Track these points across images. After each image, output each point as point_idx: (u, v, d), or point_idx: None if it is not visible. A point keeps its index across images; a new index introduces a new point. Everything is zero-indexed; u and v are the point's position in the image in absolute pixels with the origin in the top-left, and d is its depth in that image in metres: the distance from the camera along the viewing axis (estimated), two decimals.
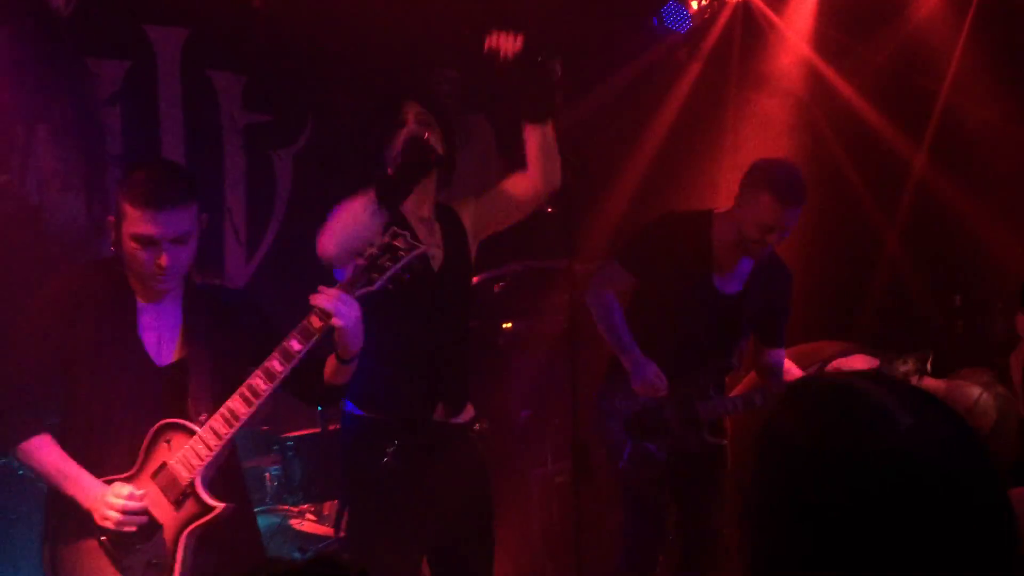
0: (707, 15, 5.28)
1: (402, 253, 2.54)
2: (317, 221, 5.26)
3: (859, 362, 3.80)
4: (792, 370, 3.82)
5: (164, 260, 2.56)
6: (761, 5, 5.41)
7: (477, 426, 3.13)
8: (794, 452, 1.10)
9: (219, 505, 2.58)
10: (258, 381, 2.57)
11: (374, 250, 2.57)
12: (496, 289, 4.98)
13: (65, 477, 2.57)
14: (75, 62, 4.49)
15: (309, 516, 4.18)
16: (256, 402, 2.58)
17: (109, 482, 2.59)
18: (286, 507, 4.11)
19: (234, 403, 2.58)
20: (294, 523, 4.09)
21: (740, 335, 3.75)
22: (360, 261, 2.57)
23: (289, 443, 4.03)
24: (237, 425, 2.58)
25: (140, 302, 2.67)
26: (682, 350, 3.60)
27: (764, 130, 5.47)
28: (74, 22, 4.39)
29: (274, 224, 5.18)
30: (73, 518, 2.58)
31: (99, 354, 2.61)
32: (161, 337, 2.67)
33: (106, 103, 4.60)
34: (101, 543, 2.57)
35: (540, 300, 5.32)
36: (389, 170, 2.86)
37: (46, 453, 2.58)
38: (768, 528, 1.11)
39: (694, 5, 5.24)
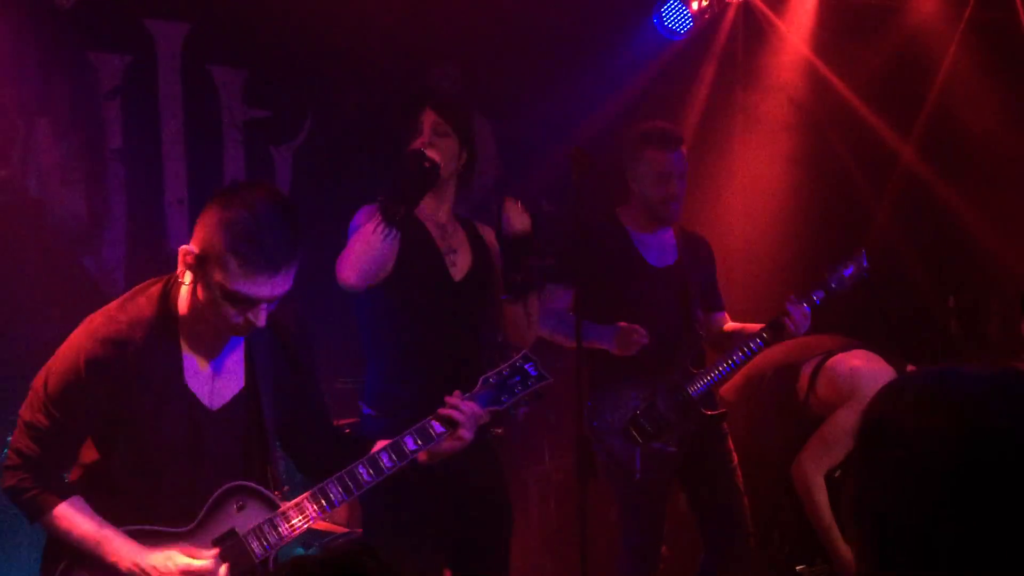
0: (708, 15, 5.30)
1: (532, 381, 2.60)
2: (315, 217, 5.27)
3: (858, 357, 3.83)
4: (745, 326, 3.83)
5: (260, 320, 2.26)
6: (761, 5, 5.43)
7: (493, 431, 3.14)
8: (911, 439, 1.08)
9: None
10: (362, 472, 2.41)
11: (505, 370, 2.58)
12: None
13: (99, 542, 2.27)
14: (76, 56, 4.48)
15: None
16: (356, 493, 2.42)
17: (153, 532, 2.31)
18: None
19: (332, 489, 2.39)
20: None
21: (694, 304, 3.75)
22: (490, 377, 2.59)
23: None
24: (328, 512, 2.41)
25: (190, 340, 2.36)
26: (652, 335, 3.57)
27: (763, 130, 5.49)
28: (75, 16, 4.39)
29: None
30: (88, 567, 2.32)
31: (143, 402, 2.32)
32: (216, 374, 2.40)
33: (106, 97, 4.59)
34: None
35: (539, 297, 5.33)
36: (389, 188, 2.86)
37: (79, 517, 2.29)
38: (906, 527, 1.08)
39: (695, 5, 5.26)
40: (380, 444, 2.48)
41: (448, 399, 2.53)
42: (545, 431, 5.12)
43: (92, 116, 4.54)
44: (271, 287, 2.23)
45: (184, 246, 2.28)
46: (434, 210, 3.06)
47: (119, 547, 2.28)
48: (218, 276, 2.22)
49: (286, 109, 5.13)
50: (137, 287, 2.44)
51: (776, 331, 3.63)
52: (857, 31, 5.35)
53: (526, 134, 5.44)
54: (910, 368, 3.75)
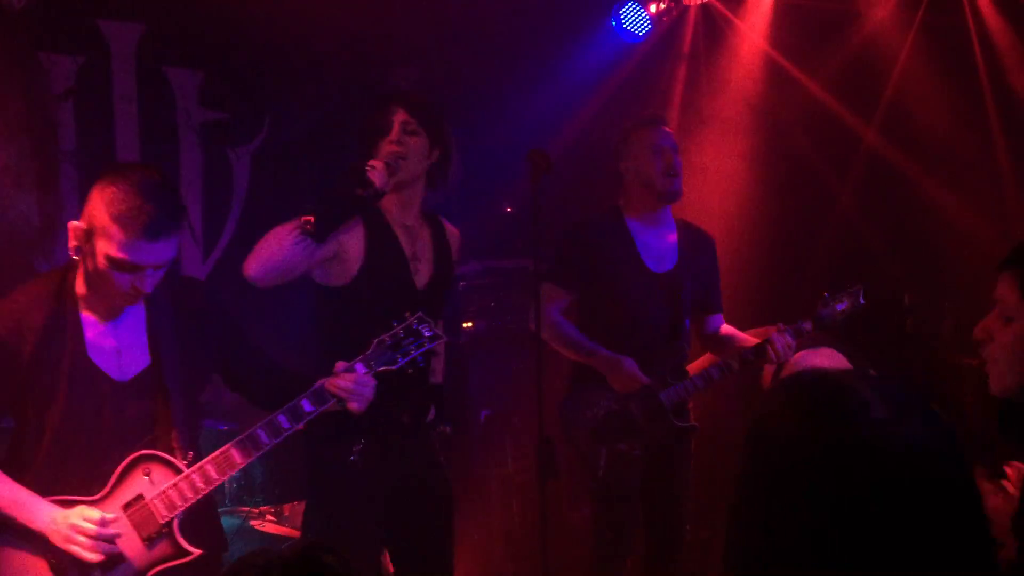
0: (666, 18, 5.34)
1: (427, 341, 2.68)
2: (273, 220, 5.23)
3: (823, 355, 3.86)
4: (737, 334, 3.87)
5: (144, 285, 2.44)
6: (720, 7, 5.48)
7: (440, 428, 3.15)
8: (778, 445, 1.11)
9: (195, 552, 2.50)
10: (261, 433, 2.55)
11: (400, 331, 2.66)
12: (457, 289, 4.99)
13: (18, 504, 2.42)
14: (28, 57, 4.40)
15: (269, 517, 4.15)
16: (256, 454, 2.54)
17: (66, 501, 2.45)
18: (246, 508, 4.08)
19: (232, 451, 2.52)
20: (255, 524, 4.06)
21: (684, 312, 3.78)
22: (384, 338, 2.65)
23: None
24: (230, 473, 2.53)
25: (90, 316, 2.51)
26: (634, 343, 3.61)
27: (724, 130, 5.54)
28: (27, 16, 4.31)
29: (231, 223, 5.12)
30: (13, 531, 2.45)
31: (49, 379, 2.46)
32: (121, 349, 2.54)
33: (59, 99, 4.51)
34: (52, 565, 2.43)
35: (499, 300, 5.34)
36: (317, 203, 2.84)
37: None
38: (751, 522, 1.12)
39: (653, 8, 5.29)
40: (283, 409, 2.58)
41: (338, 367, 2.63)
42: (507, 433, 5.12)
43: (44, 118, 4.46)
44: (153, 253, 2.40)
45: (73, 221, 2.44)
46: (401, 212, 3.06)
47: (37, 508, 2.42)
48: (103, 246, 2.38)
49: (243, 111, 5.08)
50: (41, 273, 2.62)
51: (758, 356, 3.68)
52: (813, 32, 5.41)
53: (485, 137, 5.45)
54: (872, 372, 3.78)
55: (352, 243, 2.96)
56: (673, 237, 3.78)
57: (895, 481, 1.05)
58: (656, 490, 3.72)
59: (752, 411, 1.20)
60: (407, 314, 2.70)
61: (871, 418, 1.08)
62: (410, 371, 2.72)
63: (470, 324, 5.15)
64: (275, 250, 2.77)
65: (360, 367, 2.64)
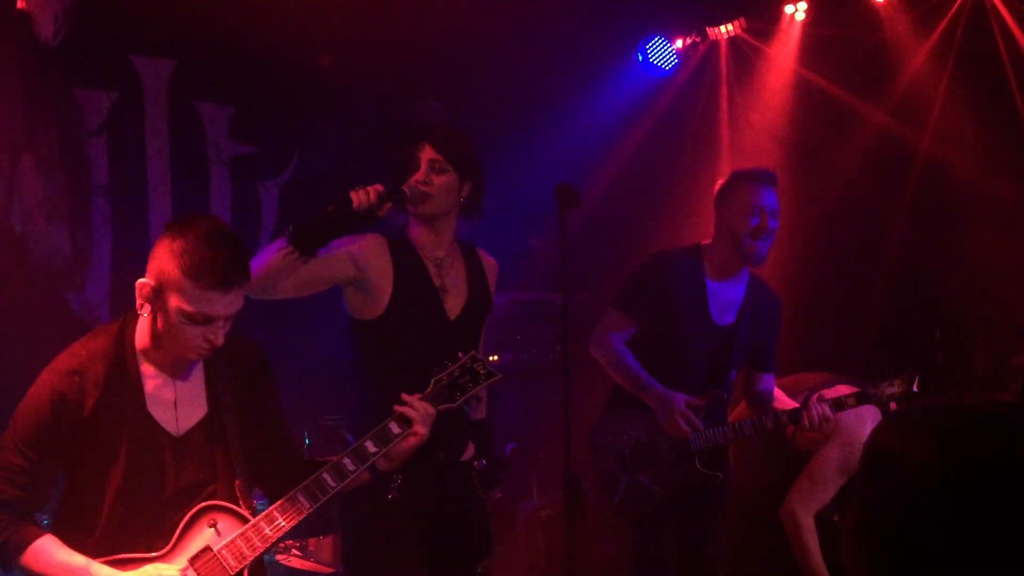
0: (693, 53, 5.35)
1: (482, 377, 2.72)
2: None
3: (843, 391, 3.83)
4: (782, 398, 3.85)
5: (218, 338, 2.39)
6: (748, 38, 5.47)
7: (477, 463, 3.13)
8: (925, 476, 1.16)
9: None
10: (327, 477, 2.50)
11: (455, 370, 2.69)
12: None
13: (76, 573, 2.34)
14: (62, 92, 4.48)
15: (295, 552, 4.13)
16: (322, 499, 2.49)
17: (128, 560, 2.37)
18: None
19: (299, 496, 2.47)
20: (280, 559, 4.04)
21: (733, 365, 3.78)
22: (442, 378, 2.67)
23: None
24: (298, 520, 2.48)
25: (150, 369, 2.47)
26: (680, 384, 3.62)
27: (756, 159, 5.51)
28: (62, 52, 4.39)
29: None
30: None
31: (110, 434, 2.41)
32: (178, 401, 2.49)
33: (92, 133, 4.59)
34: None
35: (524, 333, 5.33)
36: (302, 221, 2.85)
37: (52, 555, 2.36)
38: (889, 541, 1.17)
39: (679, 44, 5.31)
40: (346, 452, 2.55)
41: (404, 396, 2.62)
42: (534, 468, 5.09)
43: (78, 152, 4.53)
44: (225, 304, 2.36)
45: (140, 279, 2.40)
46: (432, 245, 3.06)
47: (96, 574, 2.35)
48: (175, 301, 2.35)
49: (272, 145, 5.14)
50: (98, 328, 2.56)
51: (792, 420, 3.67)
52: (843, 57, 5.37)
53: (510, 170, 5.47)
54: (892, 406, 3.74)
55: (381, 277, 2.97)
56: (741, 291, 3.77)
57: None
58: (688, 531, 3.70)
59: (882, 426, 1.25)
60: (460, 354, 2.72)
61: None
62: (466, 408, 2.72)
63: (495, 357, 5.14)
64: (263, 263, 2.79)
65: (427, 405, 2.64)
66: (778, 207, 3.69)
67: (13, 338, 4.09)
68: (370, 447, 2.55)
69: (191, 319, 2.35)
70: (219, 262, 2.32)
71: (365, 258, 2.96)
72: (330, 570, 4.02)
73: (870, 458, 1.22)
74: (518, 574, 5.03)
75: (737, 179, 3.71)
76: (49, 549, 2.37)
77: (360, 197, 2.78)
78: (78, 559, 2.36)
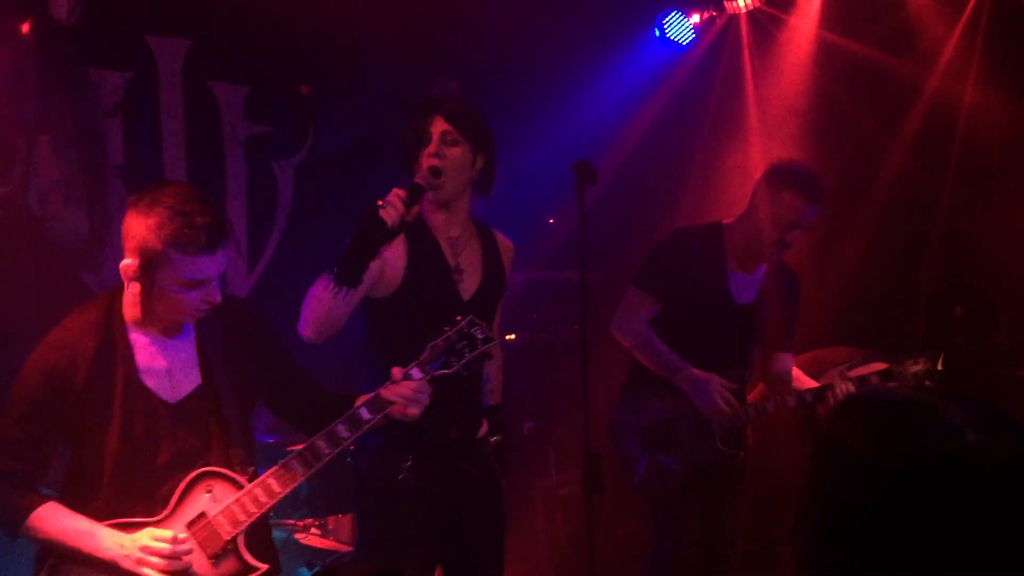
0: (712, 27, 5.28)
1: (479, 342, 2.67)
2: (317, 233, 5.23)
3: (873, 370, 3.79)
4: (801, 377, 3.82)
5: (216, 296, 2.45)
6: (768, 8, 5.36)
7: (492, 439, 3.12)
8: (857, 461, 1.12)
9: (261, 567, 2.49)
10: (321, 443, 2.53)
11: (452, 334, 2.66)
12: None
13: (81, 535, 2.41)
14: (77, 73, 4.47)
15: (314, 530, 4.14)
16: (317, 465, 2.53)
17: (129, 524, 2.44)
18: (291, 521, 4.08)
19: (294, 463, 2.52)
20: (299, 537, 4.06)
21: (754, 344, 3.76)
22: (438, 343, 2.65)
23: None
24: (293, 485, 2.52)
25: (141, 339, 2.51)
26: (701, 363, 3.60)
27: (775, 135, 5.42)
28: (77, 32, 4.38)
29: (275, 236, 5.16)
30: (80, 562, 2.43)
31: (103, 404, 2.46)
32: (172, 370, 2.54)
33: (108, 114, 4.58)
34: None
35: (541, 312, 5.32)
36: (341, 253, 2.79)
37: (56, 520, 2.43)
38: (823, 534, 1.13)
39: (696, 18, 5.24)
40: (341, 419, 2.56)
41: (394, 372, 2.62)
42: (551, 446, 5.09)
43: (93, 133, 4.53)
44: (216, 264, 2.42)
45: (123, 262, 2.43)
46: (446, 224, 3.02)
47: (101, 536, 2.41)
48: (165, 274, 2.39)
49: (287, 125, 5.12)
50: (89, 301, 2.62)
51: (817, 399, 3.64)
52: (859, 23, 5.25)
53: (527, 148, 5.43)
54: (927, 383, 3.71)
55: (395, 257, 2.95)
56: (762, 270, 3.73)
57: (984, 501, 1.06)
58: (708, 509, 3.69)
59: (821, 426, 1.21)
60: (458, 318, 2.69)
61: (963, 439, 1.08)
62: (465, 374, 2.68)
63: (513, 336, 5.13)
64: (319, 308, 2.77)
65: (416, 372, 2.62)
66: (812, 224, 3.59)
67: (32, 318, 4.10)
68: (364, 414, 2.58)
69: (186, 287, 2.40)
70: (201, 226, 2.36)
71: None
72: (349, 548, 4.03)
73: (819, 443, 1.19)
74: (537, 552, 5.03)
75: (789, 183, 3.53)
76: (55, 514, 2.44)
77: (391, 214, 2.74)
78: (83, 523, 2.43)
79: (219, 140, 4.97)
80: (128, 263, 2.41)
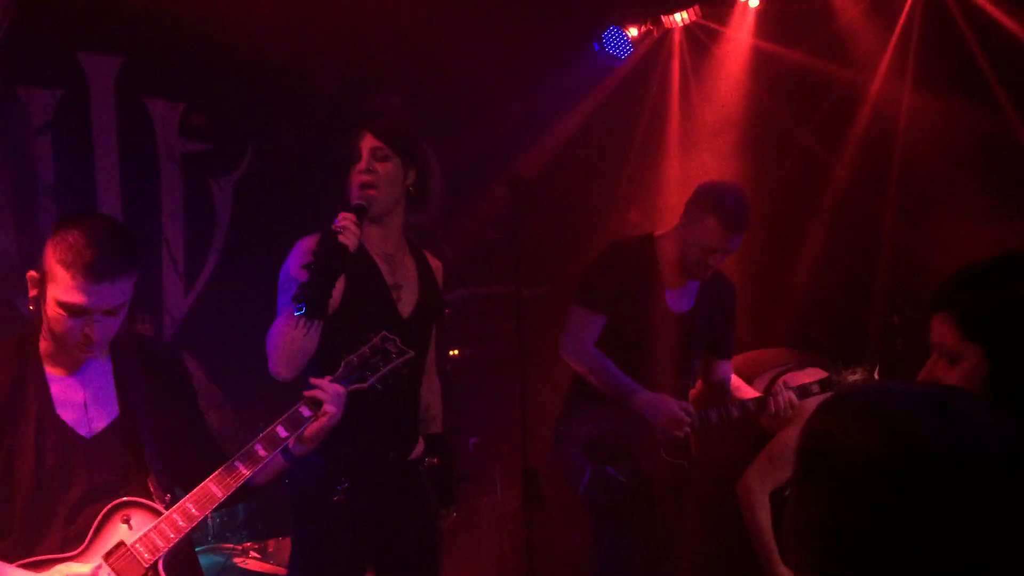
0: (648, 40, 5.34)
1: (393, 356, 2.68)
2: (256, 251, 5.14)
3: (809, 376, 3.84)
4: (741, 386, 3.86)
5: (94, 332, 2.39)
6: (704, 22, 5.42)
7: (427, 461, 3.10)
8: (862, 459, 1.11)
9: None
10: (239, 465, 2.49)
11: (366, 350, 2.65)
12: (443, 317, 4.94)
13: None
14: (4, 91, 4.37)
15: (253, 554, 4.07)
16: (234, 486, 2.49)
17: (43, 562, 2.38)
18: (230, 545, 4.01)
19: (210, 485, 2.47)
20: (238, 561, 3.98)
21: (694, 352, 3.77)
22: (352, 359, 2.64)
23: None
24: (211, 508, 2.48)
25: (55, 372, 2.48)
26: (642, 374, 3.61)
27: (712, 146, 5.48)
28: (4, 50, 4.28)
29: (213, 254, 5.09)
30: None
31: (17, 438, 2.42)
32: (88, 403, 2.50)
33: (38, 133, 4.48)
34: None
35: (486, 327, 5.30)
36: (304, 277, 2.77)
37: None
38: (832, 534, 1.12)
39: (633, 32, 5.29)
40: (258, 439, 2.53)
41: (312, 380, 2.61)
42: (497, 462, 5.06)
43: (22, 152, 4.43)
44: (97, 296, 2.36)
45: (30, 272, 2.43)
46: (381, 240, 3.00)
47: None
48: (52, 290, 2.37)
49: (225, 142, 5.05)
50: (5, 336, 2.57)
51: (759, 408, 3.69)
52: (795, 34, 5.33)
53: (471, 163, 5.42)
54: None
55: None
56: (695, 282, 3.76)
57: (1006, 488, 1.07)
58: (649, 518, 3.69)
59: (818, 412, 1.19)
60: (371, 335, 2.69)
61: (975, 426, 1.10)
62: (379, 388, 2.67)
63: (456, 351, 5.10)
64: (291, 347, 2.77)
65: (336, 385, 2.61)
66: (738, 247, 3.62)
67: None
68: (281, 432, 2.53)
69: (66, 308, 2.36)
70: (90, 253, 2.33)
71: (304, 257, 2.89)
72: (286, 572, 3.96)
73: (807, 444, 1.17)
74: (484, 569, 5.00)
75: (712, 209, 3.54)
76: None
77: (350, 238, 2.76)
78: None
79: (154, 158, 4.89)
80: (33, 273, 2.43)
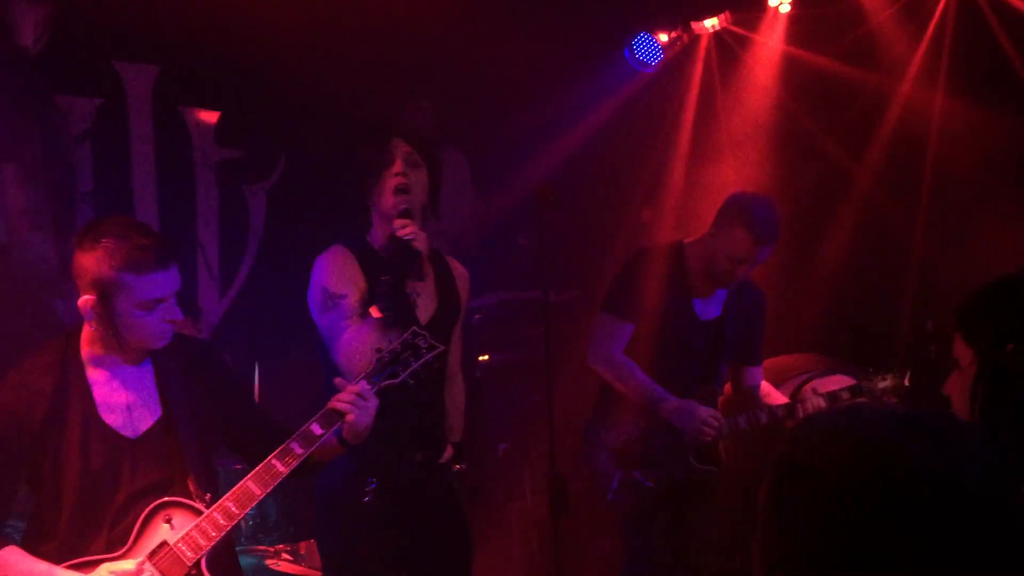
0: (678, 46, 5.33)
1: (424, 351, 2.69)
2: (290, 256, 5.21)
3: (836, 383, 3.81)
4: (771, 392, 3.84)
5: (177, 313, 2.47)
6: (734, 28, 5.41)
7: (456, 466, 3.12)
8: (827, 477, 1.10)
9: None
10: (276, 463, 2.51)
11: (396, 346, 2.68)
12: (473, 322, 4.97)
13: None
14: (45, 100, 4.47)
15: (285, 556, 4.11)
16: (273, 484, 2.51)
17: (90, 563, 2.42)
18: (262, 547, 4.05)
19: (249, 484, 2.50)
20: (270, 563, 4.02)
21: (722, 359, 3.77)
22: (384, 355, 2.66)
23: None
24: (251, 506, 2.51)
25: (98, 376, 2.52)
26: (670, 381, 3.61)
27: (738, 155, 5.46)
28: (44, 60, 4.38)
29: (247, 260, 5.16)
30: None
31: (62, 443, 2.46)
32: (132, 406, 2.55)
33: (76, 141, 4.58)
34: None
35: (515, 332, 5.31)
36: (384, 280, 2.86)
37: (11, 565, 2.41)
38: (797, 548, 1.11)
39: (663, 37, 5.28)
40: (294, 436, 2.55)
41: (337, 380, 2.63)
42: (525, 466, 5.07)
43: (62, 160, 4.52)
44: (170, 281, 2.45)
45: (81, 299, 2.44)
46: None
47: None
48: (124, 299, 2.41)
49: (259, 149, 5.12)
50: (47, 342, 2.61)
51: (788, 414, 3.67)
52: (824, 39, 5.29)
53: (501, 168, 5.45)
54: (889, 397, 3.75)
55: (351, 285, 2.95)
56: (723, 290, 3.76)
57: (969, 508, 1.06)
58: (682, 525, 3.70)
59: (789, 437, 1.17)
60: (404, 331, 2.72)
61: (921, 476, 1.07)
62: (412, 383, 2.68)
63: (486, 357, 5.12)
64: (366, 347, 2.78)
65: (363, 384, 2.62)
66: (767, 258, 3.60)
67: (1, 345, 4.08)
68: (316, 430, 2.56)
69: (147, 308, 2.42)
70: (148, 246, 2.41)
71: (340, 271, 2.96)
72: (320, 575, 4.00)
73: (780, 467, 1.15)
74: (514, 574, 5.01)
75: (742, 221, 3.52)
76: (10, 560, 2.41)
77: (421, 243, 2.87)
78: (40, 566, 2.41)
79: (190, 165, 4.97)
80: (86, 299, 2.43)
